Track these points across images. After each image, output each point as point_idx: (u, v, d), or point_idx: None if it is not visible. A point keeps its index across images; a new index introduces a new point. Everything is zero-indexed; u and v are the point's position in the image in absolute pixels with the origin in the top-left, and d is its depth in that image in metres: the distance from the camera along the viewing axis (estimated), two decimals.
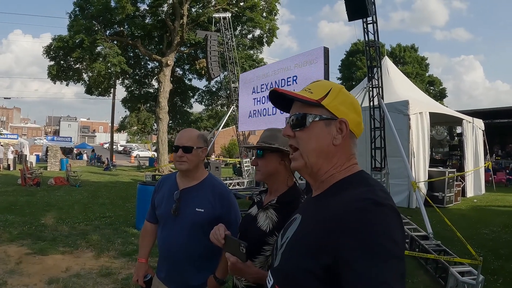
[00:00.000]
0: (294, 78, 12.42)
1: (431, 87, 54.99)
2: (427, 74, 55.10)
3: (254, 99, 14.82)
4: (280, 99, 1.42)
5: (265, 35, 33.09)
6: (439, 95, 54.17)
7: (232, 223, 2.54)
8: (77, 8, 30.35)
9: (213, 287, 2.59)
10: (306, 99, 1.33)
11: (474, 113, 22.07)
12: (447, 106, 28.57)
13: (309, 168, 1.34)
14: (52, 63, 31.40)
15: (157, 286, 2.79)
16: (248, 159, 21.18)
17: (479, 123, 19.32)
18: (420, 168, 14.20)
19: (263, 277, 1.79)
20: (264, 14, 32.33)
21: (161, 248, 2.76)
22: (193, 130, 2.85)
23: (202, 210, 2.59)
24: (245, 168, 20.91)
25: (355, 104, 1.38)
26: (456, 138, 26.12)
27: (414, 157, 13.68)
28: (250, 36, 34.00)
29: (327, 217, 1.17)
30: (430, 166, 15.59)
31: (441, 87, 57.01)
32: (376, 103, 11.35)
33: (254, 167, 2.19)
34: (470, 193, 17.45)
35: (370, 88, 11.39)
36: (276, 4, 32.60)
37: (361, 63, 48.68)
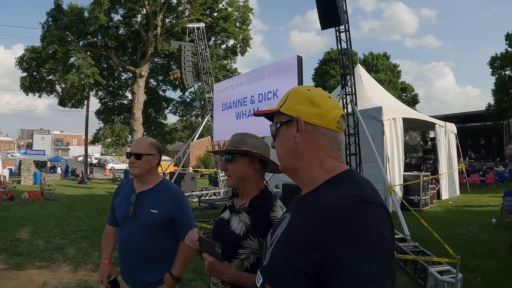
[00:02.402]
0: (275, 91, 12.41)
1: (404, 94, 55.87)
2: (399, 81, 56.00)
3: (229, 108, 14.82)
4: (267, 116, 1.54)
5: (238, 45, 33.25)
6: (412, 101, 55.04)
7: (185, 224, 2.77)
8: (50, 19, 30.22)
9: (170, 284, 2.77)
10: (267, 111, 1.47)
11: (447, 118, 22.53)
12: (420, 112, 29.04)
13: (287, 170, 1.40)
14: (24, 74, 31.17)
15: (123, 285, 2.96)
16: None
17: (452, 127, 19.68)
18: (395, 173, 14.39)
19: (239, 277, 1.88)
20: (238, 24, 32.49)
21: (120, 248, 2.93)
22: (146, 138, 3.05)
23: (156, 211, 2.78)
24: (221, 178, 20.89)
25: (313, 97, 1.38)
26: (429, 142, 26.53)
27: (389, 162, 13.85)
28: (224, 46, 34.18)
29: (315, 215, 1.17)
30: (405, 171, 15.80)
31: (413, 93, 58.07)
32: (350, 110, 11.48)
33: (224, 173, 2.17)
34: (445, 195, 17.75)
35: (344, 95, 11.53)
36: (249, 14, 32.80)
37: (334, 72, 49.23)
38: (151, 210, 2.78)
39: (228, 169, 2.12)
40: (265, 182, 2.22)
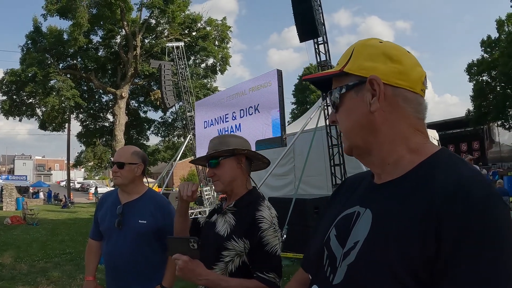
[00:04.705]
0: (256, 106, 12.39)
1: None
2: None
3: (211, 125, 14.81)
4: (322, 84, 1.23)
5: (218, 63, 33.35)
6: None
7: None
8: (29, 41, 30.07)
9: None
10: (327, 74, 1.12)
11: (428, 126, 22.56)
12: None
13: (357, 149, 1.09)
14: (4, 98, 31.03)
15: None
16: (209, 187, 21.00)
17: (433, 134, 19.78)
18: None
19: (216, 280, 1.78)
20: (216, 42, 32.64)
21: (107, 262, 2.81)
22: (129, 147, 2.97)
23: (145, 222, 2.70)
24: (206, 197, 20.76)
25: (389, 50, 1.06)
26: None
27: None
28: (203, 65, 34.25)
29: (427, 209, 0.88)
30: None
31: None
32: None
33: (212, 179, 2.10)
34: None
35: (325, 107, 11.56)
36: (228, 32, 33.00)
37: (314, 87, 49.38)
38: (139, 221, 2.70)
39: (216, 173, 2.04)
40: (252, 182, 2.15)
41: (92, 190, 49.74)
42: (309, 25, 10.64)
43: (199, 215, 17.45)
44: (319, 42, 11.34)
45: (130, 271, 2.68)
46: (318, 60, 11.51)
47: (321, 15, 11.05)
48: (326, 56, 11.41)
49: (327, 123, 11.43)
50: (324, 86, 1.20)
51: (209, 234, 2.03)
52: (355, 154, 1.11)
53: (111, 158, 32.62)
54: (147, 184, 3.00)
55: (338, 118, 1.11)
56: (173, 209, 2.83)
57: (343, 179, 11.39)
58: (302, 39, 11.06)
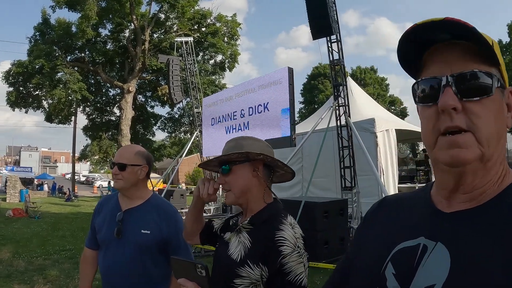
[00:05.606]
0: (265, 104, 12.09)
1: (392, 107, 55.97)
2: (388, 95, 56.25)
3: (219, 122, 14.56)
4: (413, 50, 0.90)
5: (226, 60, 33.11)
6: (401, 114, 55.15)
7: (182, 246, 2.37)
8: (38, 33, 30.01)
9: None
10: (482, 37, 0.80)
11: None
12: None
13: (482, 163, 0.82)
14: (11, 89, 30.85)
15: None
16: None
17: None
18: (390, 185, 14.10)
19: None
20: (226, 39, 32.41)
21: (104, 274, 2.49)
22: (133, 146, 2.66)
23: (148, 232, 2.38)
24: None
25: None
26: (422, 153, 26.53)
27: (383, 174, 13.59)
28: (212, 61, 34.05)
29: None
30: (398, 183, 15.57)
31: (402, 107, 58.24)
32: (343, 122, 11.23)
33: (223, 189, 1.75)
34: None
35: (337, 107, 11.27)
36: (237, 29, 32.77)
37: (323, 86, 49.31)
38: (142, 231, 2.38)
39: (227, 181, 1.70)
40: (273, 194, 1.79)
41: (97, 184, 49.77)
42: (323, 23, 10.34)
43: (205, 214, 17.28)
44: (332, 40, 11.05)
45: (130, 285, 2.38)
46: (331, 59, 11.21)
47: (335, 13, 10.75)
48: (339, 55, 11.12)
49: (338, 124, 11.15)
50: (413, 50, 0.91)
51: (221, 257, 1.71)
52: (473, 166, 0.81)
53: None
54: (151, 188, 2.69)
55: (476, 110, 0.79)
56: (180, 218, 2.53)
57: (352, 182, 11.12)
58: (315, 37, 10.75)
